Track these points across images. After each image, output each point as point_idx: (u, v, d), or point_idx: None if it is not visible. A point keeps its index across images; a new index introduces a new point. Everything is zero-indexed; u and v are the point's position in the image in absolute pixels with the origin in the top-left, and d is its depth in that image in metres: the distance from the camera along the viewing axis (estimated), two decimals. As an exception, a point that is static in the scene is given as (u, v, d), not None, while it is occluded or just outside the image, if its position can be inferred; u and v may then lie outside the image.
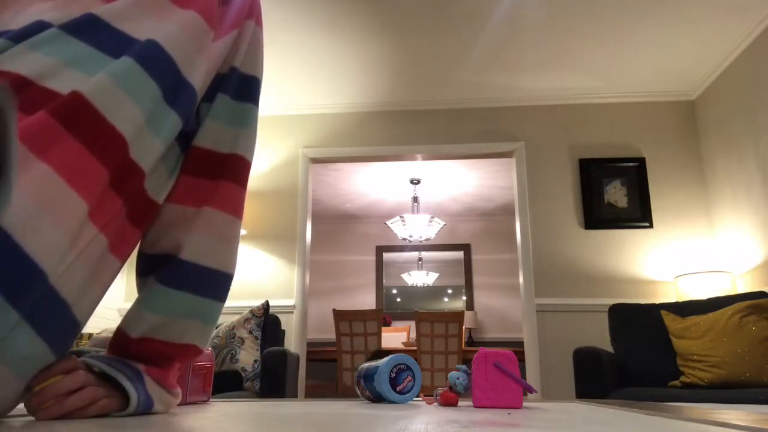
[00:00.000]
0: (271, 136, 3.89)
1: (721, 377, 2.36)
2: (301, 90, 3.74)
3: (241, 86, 0.84)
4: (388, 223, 5.38)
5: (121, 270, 0.78)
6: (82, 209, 0.61)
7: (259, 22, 0.87)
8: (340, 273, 6.65)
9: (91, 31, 0.66)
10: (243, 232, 3.67)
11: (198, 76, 0.75)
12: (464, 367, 1.04)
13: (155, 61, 0.69)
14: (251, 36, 0.85)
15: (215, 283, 0.80)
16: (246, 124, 0.84)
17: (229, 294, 0.88)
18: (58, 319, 0.64)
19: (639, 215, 3.53)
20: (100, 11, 0.68)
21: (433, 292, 6.59)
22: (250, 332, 2.81)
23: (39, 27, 0.65)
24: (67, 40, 0.64)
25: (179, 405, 1.00)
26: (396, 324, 6.24)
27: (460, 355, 3.93)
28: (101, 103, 0.62)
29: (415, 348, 4.25)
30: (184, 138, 0.80)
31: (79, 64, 0.63)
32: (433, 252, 6.64)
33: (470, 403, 1.05)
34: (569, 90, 3.72)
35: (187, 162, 0.80)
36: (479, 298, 6.48)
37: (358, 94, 3.80)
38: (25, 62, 0.61)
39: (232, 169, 0.82)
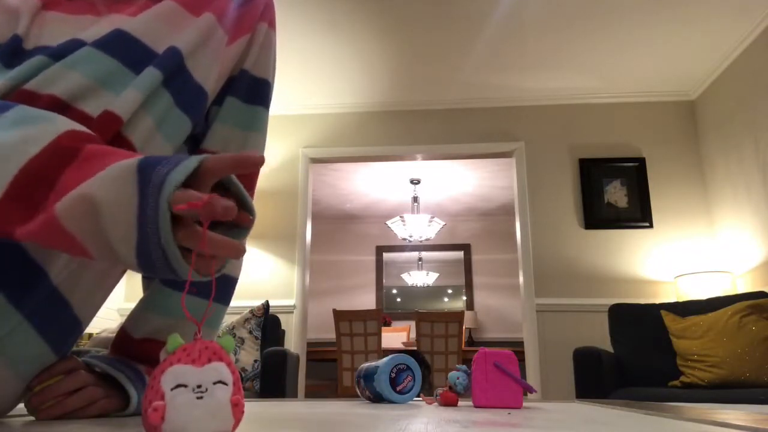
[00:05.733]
0: (271, 136, 3.88)
1: (721, 377, 2.36)
2: (301, 90, 3.74)
3: (251, 89, 0.83)
4: (388, 223, 5.38)
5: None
6: None
7: (272, 25, 0.86)
8: (340, 273, 6.65)
9: (120, 46, 0.67)
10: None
11: (210, 81, 0.75)
12: (464, 367, 1.04)
13: (175, 70, 0.70)
14: (263, 39, 0.84)
15: (220, 286, 0.80)
16: (255, 127, 0.83)
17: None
18: (60, 320, 0.64)
19: (639, 215, 3.53)
20: (127, 27, 0.69)
21: (433, 292, 6.59)
22: (250, 332, 2.82)
23: (74, 45, 0.66)
24: (100, 57, 0.65)
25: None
26: (396, 324, 6.24)
27: (460, 355, 3.93)
28: (125, 117, 0.64)
29: (415, 348, 4.25)
30: (193, 141, 0.80)
31: (109, 84, 0.65)
32: (433, 252, 6.64)
33: (470, 403, 1.05)
34: (569, 90, 3.72)
35: None
36: (479, 298, 6.48)
37: (358, 94, 3.80)
38: (63, 83, 0.62)
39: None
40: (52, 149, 0.51)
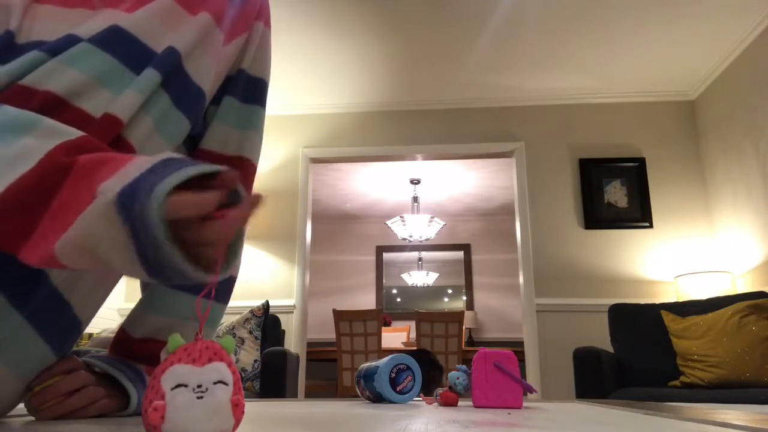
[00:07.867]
0: (271, 136, 3.89)
1: (721, 377, 2.36)
2: (301, 90, 3.74)
3: (248, 88, 0.83)
4: (388, 223, 5.38)
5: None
6: None
7: (267, 23, 0.86)
8: (340, 273, 6.65)
9: (118, 44, 0.66)
10: (243, 232, 3.66)
11: (208, 80, 0.75)
12: (464, 367, 1.04)
13: (174, 71, 0.69)
14: (260, 38, 0.84)
15: (219, 285, 0.80)
16: (253, 126, 0.84)
17: (229, 294, 0.88)
18: (60, 321, 0.64)
19: (639, 215, 3.53)
20: (124, 23, 0.68)
21: (433, 292, 6.59)
22: (250, 332, 2.82)
23: (70, 41, 0.64)
24: (97, 54, 0.64)
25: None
26: (396, 324, 6.24)
27: (460, 355, 3.93)
28: (125, 120, 0.64)
29: (415, 348, 4.25)
30: (191, 141, 0.80)
31: (108, 82, 0.64)
32: (433, 252, 6.64)
33: (470, 403, 1.05)
34: (569, 90, 3.72)
35: None
36: (479, 298, 6.48)
37: (358, 94, 3.80)
38: (60, 79, 0.61)
39: (239, 171, 0.82)
40: (42, 168, 0.49)
